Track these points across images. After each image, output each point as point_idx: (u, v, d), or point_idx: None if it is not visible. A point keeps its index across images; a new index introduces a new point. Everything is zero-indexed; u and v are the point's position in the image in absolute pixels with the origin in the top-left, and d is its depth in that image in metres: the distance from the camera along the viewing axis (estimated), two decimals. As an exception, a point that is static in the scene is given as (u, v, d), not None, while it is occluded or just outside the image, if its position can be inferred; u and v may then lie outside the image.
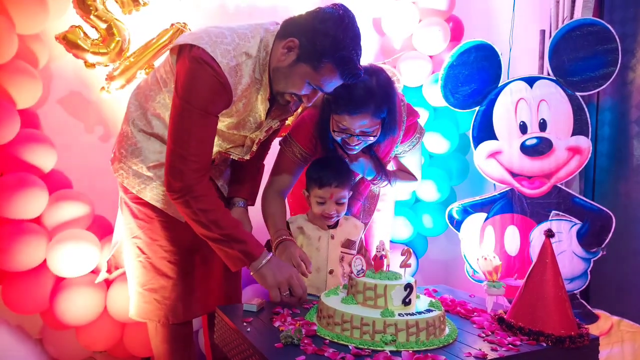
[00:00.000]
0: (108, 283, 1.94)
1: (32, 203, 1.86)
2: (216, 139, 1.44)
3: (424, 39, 2.42)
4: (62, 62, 2.10)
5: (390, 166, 1.84)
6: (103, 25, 1.98)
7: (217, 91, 1.29)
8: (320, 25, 1.27)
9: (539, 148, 2.21)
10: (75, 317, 1.85)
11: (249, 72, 1.32)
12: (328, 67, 1.27)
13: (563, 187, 2.21)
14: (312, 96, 1.36)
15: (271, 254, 1.37)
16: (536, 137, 2.22)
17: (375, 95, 1.43)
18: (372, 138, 1.51)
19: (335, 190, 1.53)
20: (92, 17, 1.97)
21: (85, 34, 1.99)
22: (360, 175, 1.71)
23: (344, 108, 1.44)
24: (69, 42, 1.97)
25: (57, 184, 2.02)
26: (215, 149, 1.49)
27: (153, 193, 1.46)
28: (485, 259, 1.30)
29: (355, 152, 1.57)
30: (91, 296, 1.87)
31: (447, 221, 2.39)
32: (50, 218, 1.93)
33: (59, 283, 1.90)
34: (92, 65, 2.03)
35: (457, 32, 2.47)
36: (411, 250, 1.26)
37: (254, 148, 1.52)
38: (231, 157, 1.54)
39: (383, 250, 1.23)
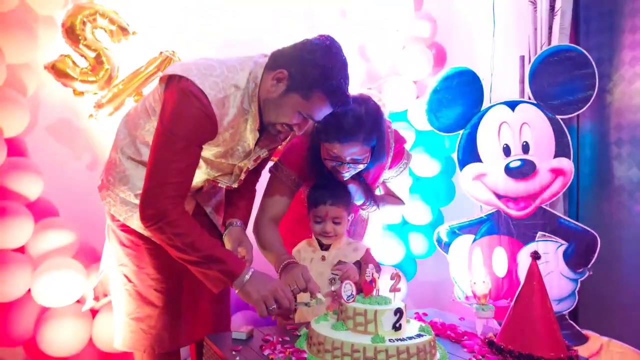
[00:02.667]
0: (93, 313, 1.91)
1: (16, 232, 1.84)
2: (204, 167, 1.45)
3: (408, 65, 2.49)
4: (51, 90, 2.10)
5: (378, 191, 1.86)
6: (92, 54, 2.00)
7: (202, 123, 1.29)
8: (308, 56, 1.30)
9: (523, 170, 2.26)
10: (60, 348, 1.80)
11: (236, 104, 1.34)
12: (318, 96, 1.30)
13: (548, 208, 2.25)
14: (303, 125, 1.37)
15: (253, 269, 1.36)
16: (520, 160, 2.27)
17: (365, 123, 1.46)
18: (362, 165, 1.54)
19: (330, 208, 1.54)
20: (81, 46, 1.99)
21: (74, 62, 2.00)
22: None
23: (335, 136, 1.46)
24: (58, 70, 1.98)
25: (43, 212, 2.00)
26: (203, 177, 1.49)
27: (140, 221, 1.45)
28: (484, 282, 1.31)
29: (346, 178, 1.59)
30: (76, 326, 1.83)
31: (436, 243, 2.41)
32: (35, 247, 1.90)
33: (43, 313, 1.86)
34: (81, 94, 2.04)
35: (439, 58, 2.55)
36: (401, 274, 1.27)
37: (242, 177, 1.53)
38: (219, 184, 1.55)
39: (372, 274, 1.23)
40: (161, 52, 2.14)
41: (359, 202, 1.69)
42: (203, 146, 1.36)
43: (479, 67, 2.38)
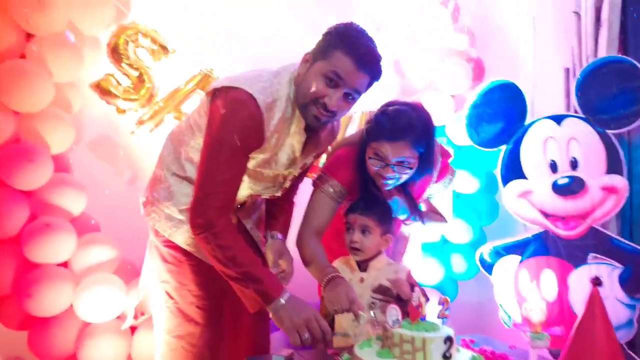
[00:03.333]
0: (133, 329, 1.91)
1: (60, 247, 1.87)
2: (247, 181, 1.44)
3: (446, 79, 2.43)
4: (94, 107, 2.16)
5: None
6: (134, 73, 2.06)
7: (250, 131, 1.31)
8: (326, 32, 1.35)
9: (572, 187, 2.15)
10: (100, 365, 1.81)
11: (282, 109, 1.35)
12: (338, 55, 1.29)
13: (600, 229, 2.13)
14: (334, 94, 1.31)
15: (289, 294, 1.32)
16: (568, 177, 2.16)
17: (415, 126, 1.44)
18: (407, 171, 1.49)
19: (359, 217, 1.49)
20: (124, 65, 2.04)
21: (117, 81, 2.06)
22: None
23: (384, 134, 1.44)
24: (102, 89, 2.04)
25: (85, 228, 2.04)
26: (247, 192, 1.48)
27: (184, 236, 1.45)
28: (541, 308, 1.22)
29: (388, 188, 1.55)
30: (116, 343, 1.84)
31: (479, 264, 2.31)
32: (77, 262, 1.93)
33: (84, 329, 1.88)
34: (123, 111, 2.09)
35: (478, 71, 2.48)
36: (449, 300, 1.21)
37: (287, 184, 1.52)
38: (262, 196, 1.55)
39: (419, 298, 1.17)
40: (200, 70, 2.17)
41: (402, 216, 1.64)
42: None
43: (520, 80, 2.29)
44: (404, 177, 1.51)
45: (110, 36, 2.02)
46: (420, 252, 2.34)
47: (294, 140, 1.41)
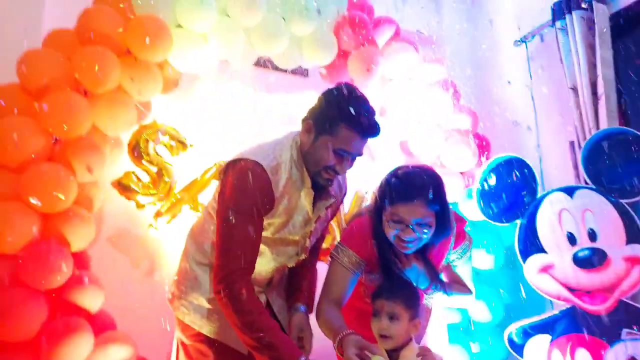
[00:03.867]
0: None
1: (78, 348, 1.83)
2: (268, 253, 1.47)
3: (453, 157, 2.49)
4: (114, 203, 2.23)
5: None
6: (154, 169, 2.15)
7: (259, 193, 1.36)
8: (325, 99, 1.42)
9: (593, 260, 2.10)
10: None
11: (287, 170, 1.42)
12: (343, 128, 1.36)
13: (630, 302, 2.04)
14: (343, 163, 1.41)
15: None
16: (588, 249, 2.12)
17: (428, 185, 1.44)
18: (427, 230, 1.48)
19: (385, 303, 1.44)
20: (144, 162, 2.14)
21: (137, 177, 2.15)
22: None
23: (398, 197, 1.45)
24: (123, 186, 2.12)
25: (102, 325, 2.00)
26: (271, 264, 1.50)
27: (213, 326, 1.45)
28: None
29: (410, 250, 1.53)
30: None
31: (508, 346, 2.20)
32: (95, 362, 1.88)
33: None
34: (143, 206, 2.15)
35: (484, 148, 2.54)
36: None
37: (307, 244, 1.53)
38: (288, 266, 1.55)
39: None
40: (215, 162, 2.26)
41: (423, 286, 1.61)
42: (264, 224, 1.40)
43: (525, 155, 2.35)
44: (425, 238, 1.50)
45: (131, 135, 2.14)
46: (445, 335, 2.24)
47: (306, 201, 1.46)
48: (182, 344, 1.50)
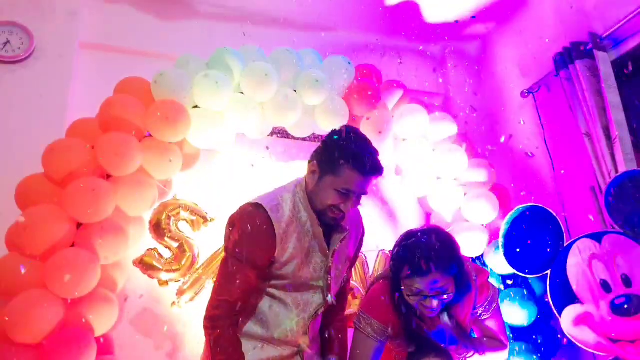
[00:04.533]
0: None
1: None
2: (293, 306, 1.46)
3: (474, 211, 2.47)
4: (137, 282, 2.22)
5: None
6: (175, 245, 2.15)
7: (259, 235, 1.39)
8: (329, 140, 1.47)
9: (632, 307, 2.01)
10: None
11: (289, 207, 1.45)
12: (346, 169, 1.40)
13: (678, 351, 1.94)
14: (347, 202, 1.43)
15: None
16: (624, 296, 2.04)
17: (439, 251, 1.45)
18: (446, 296, 1.47)
19: None
20: (166, 238, 2.14)
21: (159, 254, 2.15)
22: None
23: (412, 271, 1.45)
24: (146, 264, 2.11)
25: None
26: (298, 319, 1.48)
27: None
28: None
29: (434, 314, 1.51)
30: None
31: (552, 404, 2.08)
32: None
33: None
34: (165, 283, 2.14)
35: (504, 199, 2.52)
36: None
37: (329, 280, 1.51)
38: (317, 314, 1.52)
39: None
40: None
41: (453, 345, 1.57)
42: (279, 271, 1.43)
43: (546, 203, 2.32)
44: (447, 300, 1.49)
45: (152, 214, 2.17)
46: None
47: (318, 239, 1.48)
48: None
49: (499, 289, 1.76)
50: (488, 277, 1.70)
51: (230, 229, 1.45)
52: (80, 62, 2.46)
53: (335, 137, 1.46)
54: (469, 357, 1.61)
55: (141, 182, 2.02)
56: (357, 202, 1.48)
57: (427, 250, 1.45)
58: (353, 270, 2.31)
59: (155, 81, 2.03)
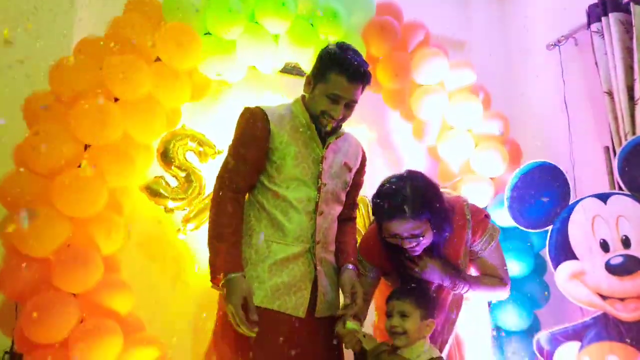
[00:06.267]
0: None
1: (108, 349, 1.86)
2: (290, 198, 1.54)
3: (483, 163, 2.45)
4: (144, 208, 2.25)
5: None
6: (182, 174, 2.15)
7: (254, 119, 1.54)
8: (320, 54, 1.58)
9: (627, 267, 2.06)
10: None
11: (283, 108, 1.61)
12: (334, 75, 1.50)
13: (665, 311, 2.00)
14: (338, 107, 1.52)
15: (236, 275, 1.41)
16: (621, 255, 2.07)
17: (408, 198, 1.49)
18: (422, 238, 1.53)
19: (396, 302, 1.52)
20: (173, 167, 2.15)
21: (166, 182, 2.16)
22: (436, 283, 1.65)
23: (384, 216, 1.53)
24: (152, 191, 2.13)
25: (131, 328, 2.03)
26: (300, 213, 1.55)
27: (262, 294, 1.50)
28: None
29: (417, 253, 1.58)
30: None
31: (536, 352, 2.17)
32: (124, 364, 1.91)
33: None
34: (171, 211, 2.16)
35: (515, 154, 2.49)
36: None
37: (322, 185, 1.58)
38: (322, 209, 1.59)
39: None
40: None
41: (446, 283, 1.62)
42: (279, 158, 1.54)
43: (558, 160, 2.29)
44: (426, 242, 1.55)
45: (160, 142, 2.16)
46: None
47: (312, 134, 1.58)
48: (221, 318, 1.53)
49: (498, 228, 1.75)
50: (485, 217, 1.71)
51: (235, 125, 1.59)
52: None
53: (326, 50, 1.57)
54: (464, 292, 1.66)
55: (149, 108, 1.99)
56: (348, 111, 1.56)
57: (397, 195, 1.49)
58: (359, 213, 2.36)
59: (166, 1, 1.94)
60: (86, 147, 2.06)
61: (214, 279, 1.43)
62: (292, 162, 1.55)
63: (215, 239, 1.47)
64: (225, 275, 1.40)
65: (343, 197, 1.67)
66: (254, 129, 1.54)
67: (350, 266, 1.63)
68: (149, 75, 1.95)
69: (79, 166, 2.03)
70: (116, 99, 1.99)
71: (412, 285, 1.58)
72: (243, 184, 1.55)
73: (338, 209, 1.66)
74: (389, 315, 1.53)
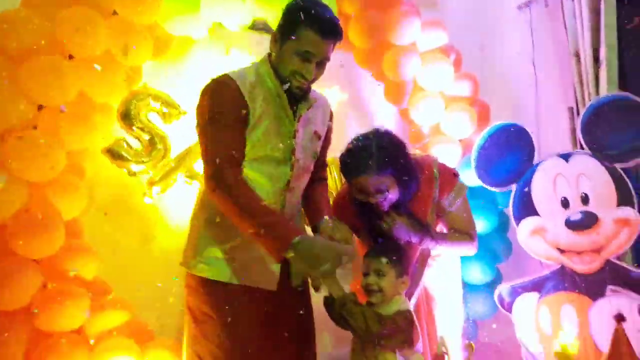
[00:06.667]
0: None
1: (74, 314, 1.84)
2: (262, 179, 1.47)
3: (452, 125, 2.46)
4: (106, 171, 2.17)
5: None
6: (146, 137, 2.07)
7: (227, 93, 1.41)
8: (289, 6, 1.45)
9: (585, 222, 2.15)
10: None
11: (253, 72, 1.48)
12: (304, 31, 1.40)
13: (616, 261, 2.11)
14: (310, 66, 1.42)
15: (305, 236, 1.34)
16: (580, 212, 2.16)
17: (374, 155, 1.53)
18: (388, 193, 1.58)
19: (372, 260, 1.55)
20: (134, 129, 2.06)
21: (128, 144, 2.08)
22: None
23: (349, 171, 1.58)
24: (114, 153, 2.05)
25: (98, 292, 2.00)
26: (273, 192, 1.50)
27: (235, 271, 1.47)
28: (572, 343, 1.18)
29: (385, 207, 1.62)
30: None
31: (497, 303, 2.28)
32: (91, 328, 1.89)
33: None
34: (134, 174, 2.10)
35: (483, 115, 2.51)
36: (473, 345, 1.19)
37: (295, 160, 1.52)
38: (292, 185, 1.54)
39: (444, 347, 1.16)
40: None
41: (415, 239, 1.66)
42: (252, 135, 1.43)
43: (524, 121, 2.33)
44: (392, 197, 1.60)
45: (120, 101, 2.06)
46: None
47: (283, 104, 1.48)
48: (191, 309, 1.51)
49: (465, 186, 1.79)
50: (454, 175, 1.76)
51: (201, 102, 1.45)
52: None
53: (293, 3, 1.45)
54: (431, 247, 1.70)
55: (107, 66, 1.88)
56: (320, 70, 1.47)
57: (364, 152, 1.54)
58: (330, 176, 2.35)
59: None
60: (40, 107, 1.96)
61: (284, 251, 1.31)
62: (264, 138, 1.45)
63: (259, 217, 1.33)
64: (302, 238, 1.31)
65: (312, 167, 1.62)
66: (232, 103, 1.41)
67: (327, 217, 1.59)
68: (105, 30, 1.83)
69: (35, 128, 1.93)
70: (71, 56, 1.87)
71: (386, 242, 1.62)
72: (238, 155, 1.42)
73: (307, 178, 1.61)
74: (365, 273, 1.56)
